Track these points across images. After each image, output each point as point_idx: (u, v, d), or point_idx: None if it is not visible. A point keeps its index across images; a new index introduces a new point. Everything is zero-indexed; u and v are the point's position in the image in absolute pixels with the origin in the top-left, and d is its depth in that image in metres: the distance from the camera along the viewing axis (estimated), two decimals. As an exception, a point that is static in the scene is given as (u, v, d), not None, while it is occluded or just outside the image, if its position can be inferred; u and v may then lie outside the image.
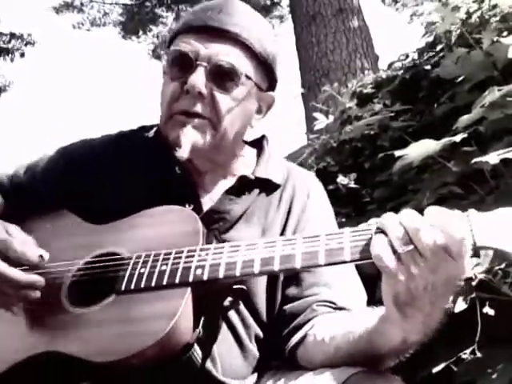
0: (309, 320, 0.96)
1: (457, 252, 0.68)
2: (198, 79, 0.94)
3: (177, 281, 0.81)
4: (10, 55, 11.29)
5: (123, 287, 0.84)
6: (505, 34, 1.82)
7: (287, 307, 1.00)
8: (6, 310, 0.91)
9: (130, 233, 0.94)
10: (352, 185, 2.28)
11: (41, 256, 0.90)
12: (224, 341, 0.94)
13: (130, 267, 0.86)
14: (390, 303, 0.74)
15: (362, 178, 2.28)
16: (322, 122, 2.66)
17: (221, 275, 0.80)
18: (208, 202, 1.02)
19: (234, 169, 1.07)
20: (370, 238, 0.73)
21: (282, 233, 1.04)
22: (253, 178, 1.04)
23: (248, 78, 0.99)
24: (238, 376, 0.97)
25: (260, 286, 0.99)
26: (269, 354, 1.02)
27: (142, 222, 0.95)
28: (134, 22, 11.37)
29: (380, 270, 0.71)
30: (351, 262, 0.74)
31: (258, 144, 1.13)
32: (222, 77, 0.96)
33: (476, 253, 0.70)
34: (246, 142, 1.13)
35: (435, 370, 1.30)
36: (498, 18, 1.93)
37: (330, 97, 2.92)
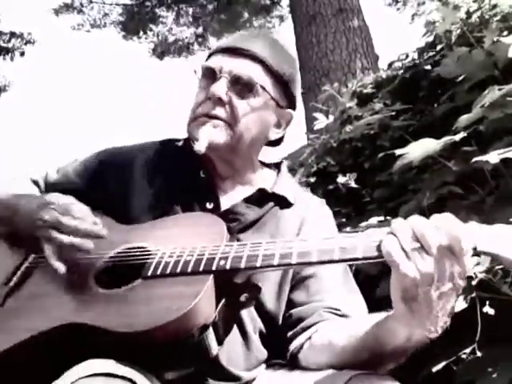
0: (314, 323, 1.03)
1: (459, 251, 0.74)
2: (219, 87, 1.08)
3: (201, 269, 0.88)
4: (9, 54, 11.29)
5: (150, 273, 0.91)
6: (505, 33, 1.82)
7: (294, 311, 1.07)
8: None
9: (159, 232, 1.03)
10: (352, 185, 2.28)
11: (94, 222, 1.00)
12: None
13: (157, 257, 0.94)
14: (397, 298, 0.79)
15: (362, 178, 2.28)
16: (322, 121, 2.66)
17: (242, 265, 0.87)
18: (226, 203, 1.12)
19: (252, 180, 1.18)
20: (381, 240, 0.79)
21: None
22: (270, 192, 1.15)
23: (263, 89, 1.11)
24: (240, 366, 1.02)
25: (267, 286, 1.04)
26: (272, 352, 1.08)
27: (170, 224, 1.05)
28: (134, 22, 11.36)
29: (390, 265, 0.77)
30: (363, 259, 0.81)
31: (277, 166, 1.25)
32: (241, 86, 1.10)
33: (476, 255, 0.77)
34: (266, 164, 1.25)
35: (435, 369, 1.30)
36: (498, 18, 1.93)
37: (330, 97, 2.92)
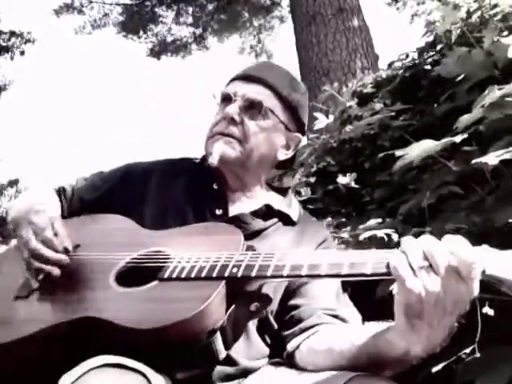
0: (313, 326, 1.07)
1: (467, 274, 0.75)
2: (233, 109, 1.21)
3: (214, 274, 0.92)
4: (9, 53, 11.28)
5: (166, 275, 0.96)
6: (505, 33, 1.82)
7: (293, 313, 1.11)
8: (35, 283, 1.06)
9: (179, 238, 1.09)
10: (352, 185, 2.28)
11: (65, 248, 1.09)
12: None
13: (174, 261, 0.99)
14: (400, 313, 0.80)
15: (362, 178, 2.28)
16: (322, 121, 2.66)
17: (253, 274, 0.91)
18: (234, 212, 1.21)
19: (259, 196, 1.28)
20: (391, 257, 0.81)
21: None
22: (276, 209, 1.24)
23: (272, 112, 1.23)
24: (239, 354, 1.05)
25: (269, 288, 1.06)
26: (271, 350, 1.12)
27: (190, 232, 1.11)
28: (134, 22, 11.36)
29: (396, 280, 0.78)
30: (371, 275, 0.82)
31: (285, 191, 1.35)
32: (252, 109, 1.22)
33: (484, 279, 0.76)
34: (274, 188, 1.36)
35: (435, 369, 1.30)
36: (498, 18, 1.92)
37: (330, 96, 2.92)
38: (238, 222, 1.16)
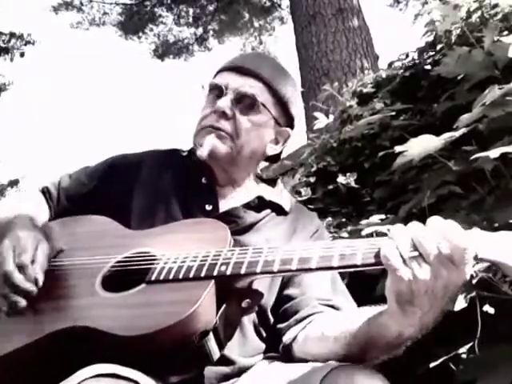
0: (308, 315, 1.06)
1: (459, 260, 0.75)
2: (224, 103, 1.17)
3: (202, 274, 0.90)
4: (9, 54, 11.28)
5: (153, 277, 0.93)
6: (505, 33, 1.82)
7: (288, 304, 1.10)
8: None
9: (164, 237, 1.06)
10: (352, 185, 2.28)
11: (36, 279, 0.99)
12: None
13: (161, 262, 0.96)
14: (392, 300, 0.81)
15: (362, 178, 2.28)
16: (322, 121, 2.66)
17: (243, 271, 0.89)
18: (225, 207, 1.19)
19: (249, 189, 1.25)
20: (380, 246, 0.80)
21: None
22: (267, 200, 1.22)
23: (264, 107, 1.20)
24: (235, 352, 1.04)
25: (261, 283, 1.05)
26: (267, 345, 1.11)
27: (175, 229, 1.08)
28: (134, 22, 11.35)
29: (387, 269, 0.78)
30: (362, 266, 0.82)
31: (274, 181, 1.33)
32: (244, 103, 1.18)
33: (477, 262, 0.78)
34: (263, 179, 1.33)
35: (432, 364, 1.30)
36: (498, 17, 1.92)
37: (330, 96, 2.92)
38: (229, 216, 1.14)
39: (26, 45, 11.48)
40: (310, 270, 0.86)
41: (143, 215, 1.15)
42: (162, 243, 1.03)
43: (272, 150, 1.26)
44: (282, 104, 1.23)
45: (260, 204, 1.20)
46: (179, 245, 0.99)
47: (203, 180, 1.21)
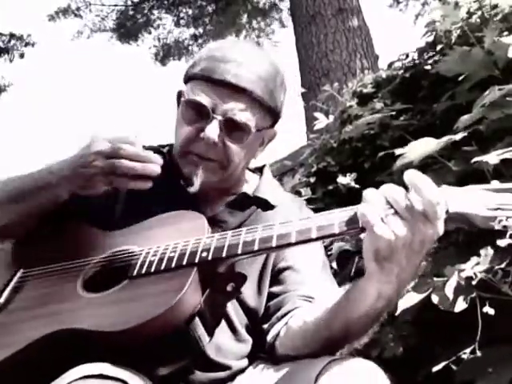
0: (289, 311, 1.05)
1: (433, 215, 0.77)
2: (214, 131, 1.06)
3: (184, 262, 0.90)
4: (9, 55, 11.28)
5: (135, 272, 0.93)
6: (505, 33, 1.82)
7: (270, 303, 1.10)
8: None
9: (141, 233, 1.04)
10: (352, 185, 2.28)
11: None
12: None
13: (141, 257, 0.95)
14: (370, 258, 0.82)
15: (362, 178, 2.28)
16: (322, 121, 2.66)
17: (224, 255, 0.89)
18: (209, 213, 1.13)
19: (236, 189, 1.20)
20: (356, 211, 0.83)
21: None
22: (252, 196, 1.17)
23: (258, 130, 1.11)
24: (229, 357, 1.05)
25: (248, 283, 1.03)
26: (257, 345, 1.10)
27: (151, 225, 1.06)
28: (132, 26, 11.33)
29: (365, 227, 0.80)
30: (340, 234, 0.84)
31: (260, 171, 1.28)
32: (235, 129, 1.08)
33: (449, 218, 0.80)
34: (250, 169, 1.27)
35: (435, 369, 1.30)
36: (498, 18, 1.92)
37: (330, 96, 2.92)
38: (214, 222, 1.08)
39: (25, 46, 11.48)
40: (290, 244, 0.87)
41: (123, 224, 1.09)
42: (139, 240, 1.02)
43: (259, 153, 1.22)
44: (273, 113, 1.15)
45: (244, 201, 1.16)
46: (157, 239, 0.99)
47: (182, 182, 1.13)
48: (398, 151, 1.58)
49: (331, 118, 2.70)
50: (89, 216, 1.13)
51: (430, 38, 2.40)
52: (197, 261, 0.90)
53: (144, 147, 1.16)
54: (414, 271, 0.85)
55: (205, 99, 1.07)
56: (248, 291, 1.08)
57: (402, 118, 2.18)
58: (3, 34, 11.37)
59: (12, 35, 11.45)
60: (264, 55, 1.15)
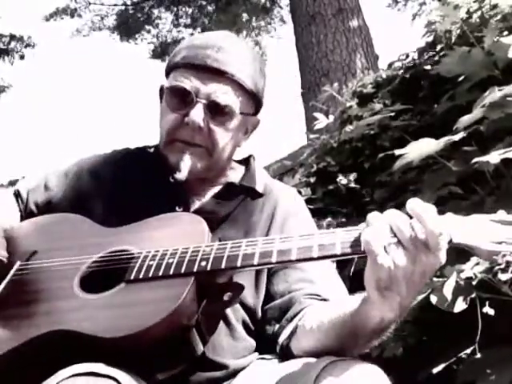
0: (298, 312, 1.05)
1: (434, 245, 0.77)
2: (199, 115, 1.07)
3: (182, 271, 0.89)
4: (9, 57, 11.26)
5: (132, 276, 0.91)
6: (505, 33, 1.82)
7: (277, 302, 1.09)
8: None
9: (140, 234, 1.03)
10: (352, 185, 2.28)
11: None
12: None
13: (139, 260, 0.94)
14: (371, 287, 0.82)
15: (361, 178, 2.28)
16: (322, 121, 2.66)
17: (223, 266, 0.88)
18: (197, 204, 1.15)
19: (222, 178, 1.20)
20: (359, 235, 0.81)
21: (266, 235, 1.12)
22: (238, 184, 1.17)
23: (241, 113, 1.12)
24: (226, 356, 1.04)
25: (244, 278, 1.03)
26: (260, 344, 1.10)
27: (151, 225, 1.04)
28: (132, 24, 11.34)
29: (368, 255, 0.79)
30: (341, 255, 0.83)
31: (247, 161, 1.27)
32: (219, 112, 1.09)
33: (452, 247, 0.79)
34: (237, 161, 1.27)
35: (435, 370, 1.30)
36: (498, 18, 1.93)
37: (330, 97, 2.92)
38: (202, 214, 1.07)
39: (26, 47, 11.46)
40: (291, 261, 0.86)
41: (111, 219, 1.09)
42: (138, 240, 1.00)
43: (243, 141, 1.22)
44: (254, 98, 1.15)
45: (231, 191, 1.16)
46: (157, 241, 0.98)
47: (171, 178, 1.13)
48: (398, 151, 1.58)
49: (331, 118, 2.70)
50: (78, 210, 1.13)
51: (430, 38, 2.40)
52: (195, 270, 0.88)
53: (130, 149, 1.26)
54: (415, 297, 0.85)
55: (187, 84, 1.08)
56: (246, 289, 1.05)
57: (401, 119, 2.18)
58: (3, 35, 11.36)
59: (12, 36, 11.44)
60: (243, 42, 1.20)
